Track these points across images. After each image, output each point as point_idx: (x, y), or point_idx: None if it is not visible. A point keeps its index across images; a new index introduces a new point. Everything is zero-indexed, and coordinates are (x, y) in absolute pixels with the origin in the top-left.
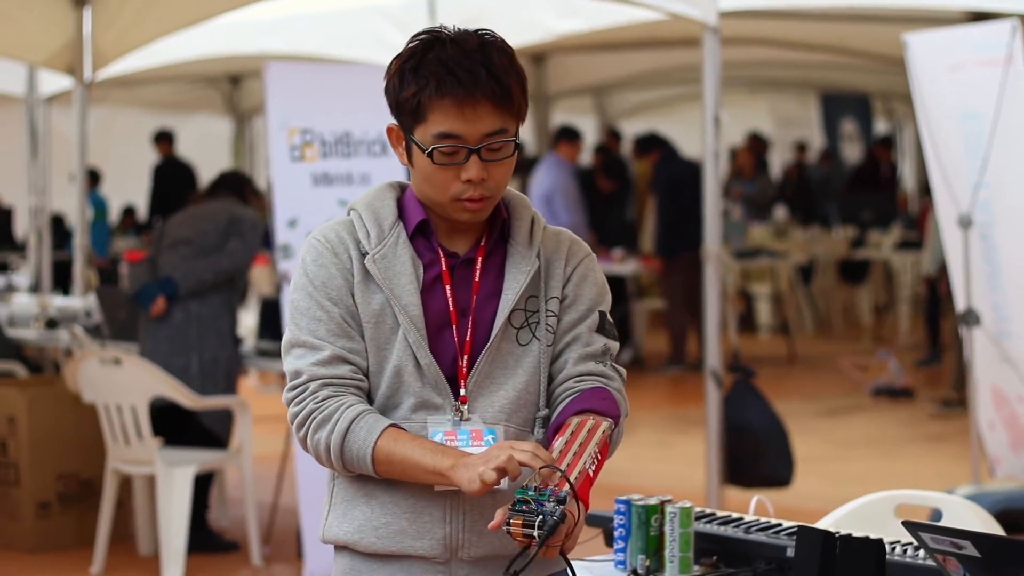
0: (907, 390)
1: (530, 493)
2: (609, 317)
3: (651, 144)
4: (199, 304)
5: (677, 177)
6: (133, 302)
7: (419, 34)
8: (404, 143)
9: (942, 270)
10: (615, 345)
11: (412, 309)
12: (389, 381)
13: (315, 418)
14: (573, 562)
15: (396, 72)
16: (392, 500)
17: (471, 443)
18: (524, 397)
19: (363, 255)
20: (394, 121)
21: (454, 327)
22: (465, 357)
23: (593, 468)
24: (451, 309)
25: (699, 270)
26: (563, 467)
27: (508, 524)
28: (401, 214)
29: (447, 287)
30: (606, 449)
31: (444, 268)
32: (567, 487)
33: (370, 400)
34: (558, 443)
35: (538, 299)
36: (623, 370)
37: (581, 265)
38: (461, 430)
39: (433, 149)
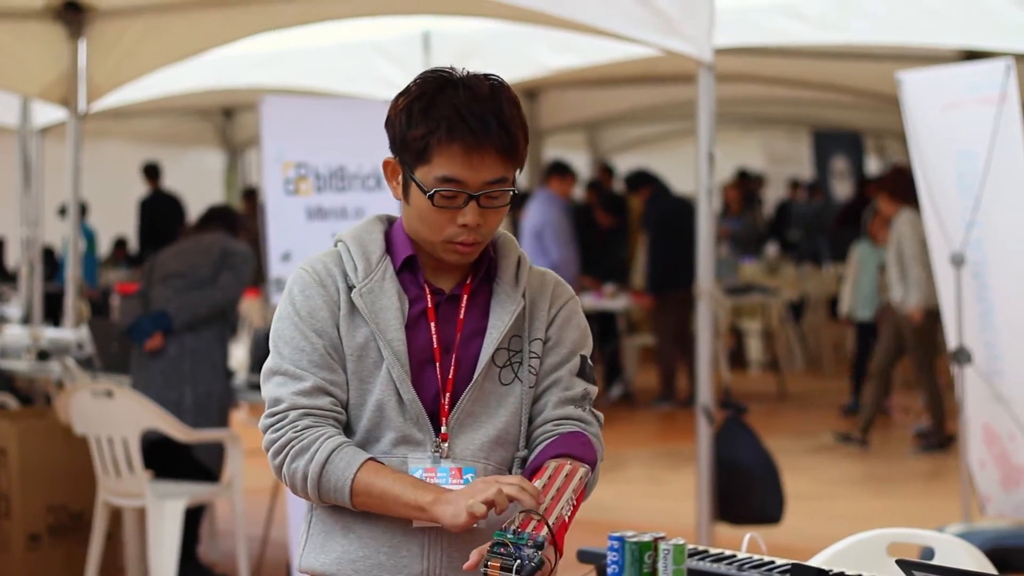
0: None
1: (508, 536)
2: (590, 361)
3: (641, 180)
4: (193, 338)
5: (668, 213)
6: (126, 337)
7: (428, 73)
8: (402, 179)
9: (883, 311)
10: (594, 389)
11: (397, 344)
12: (371, 415)
13: (293, 447)
14: None
15: (404, 109)
16: (370, 534)
17: (450, 481)
18: (504, 437)
19: (350, 288)
20: (391, 155)
21: (437, 364)
22: (448, 395)
23: (568, 514)
24: (435, 346)
25: (689, 307)
26: (542, 511)
27: (486, 566)
28: (389, 248)
29: (432, 324)
30: (582, 496)
31: (430, 305)
32: (545, 531)
33: (350, 433)
34: (536, 485)
35: (522, 339)
36: (601, 415)
37: (565, 308)
38: (441, 467)
39: (435, 192)
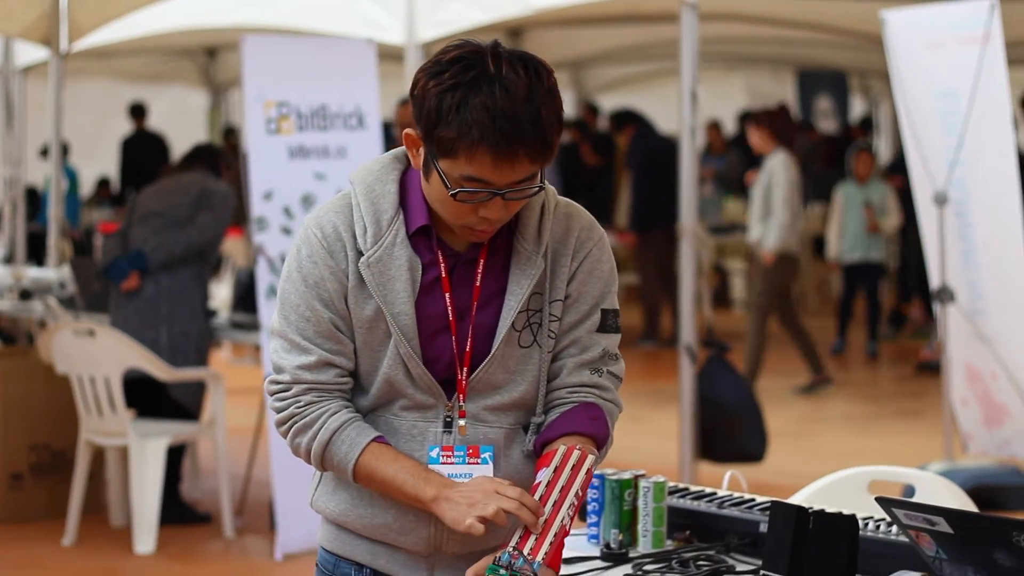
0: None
1: (502, 572)
2: (614, 308)
3: (626, 119)
4: (169, 277)
5: (652, 152)
6: (103, 276)
7: (463, 53)
8: (423, 157)
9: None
10: (615, 339)
11: (404, 319)
12: (381, 383)
13: (296, 423)
14: None
15: (435, 98)
16: (380, 493)
17: (467, 460)
18: (521, 403)
19: (359, 253)
20: (414, 129)
21: (453, 337)
22: (465, 369)
23: (571, 517)
24: (450, 318)
25: (673, 246)
26: (541, 523)
27: None
28: (403, 199)
29: (447, 294)
30: (588, 483)
31: (443, 274)
32: (539, 559)
33: (362, 396)
34: (543, 476)
35: (542, 297)
36: (621, 367)
37: (588, 258)
38: (458, 446)
39: (459, 191)
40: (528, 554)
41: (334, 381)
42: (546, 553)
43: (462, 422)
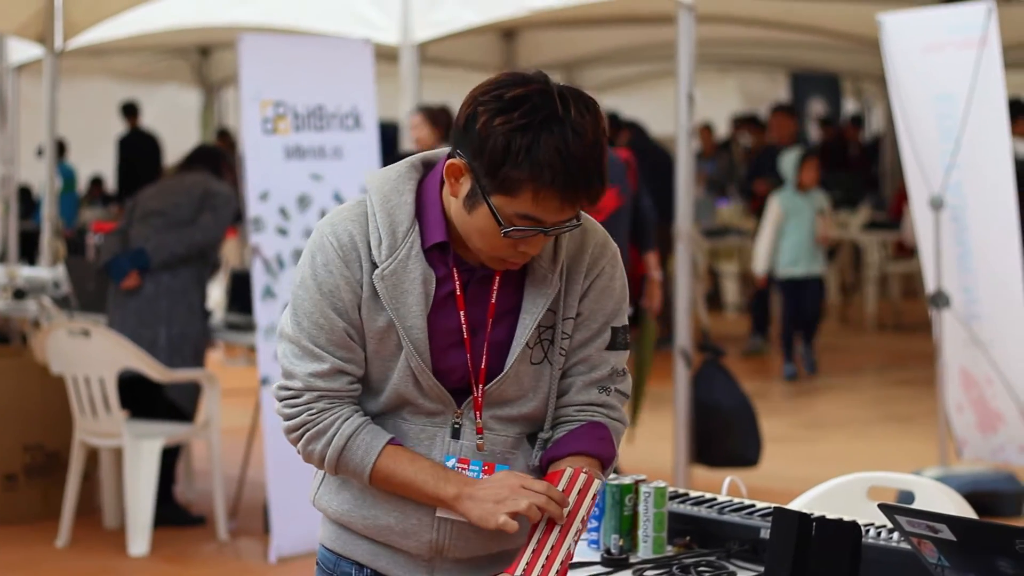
0: None
1: None
2: (624, 325)
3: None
4: (170, 277)
5: (645, 155)
6: (103, 273)
7: (527, 92)
8: (470, 190)
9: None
10: (624, 356)
11: (416, 332)
12: (390, 393)
13: (309, 430)
14: None
15: (502, 135)
16: (383, 495)
17: (482, 477)
18: (531, 418)
19: (373, 264)
20: (460, 158)
21: (468, 355)
22: (480, 386)
23: (575, 541)
24: (465, 336)
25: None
26: (548, 548)
27: None
28: (419, 211)
29: (461, 312)
30: (592, 508)
31: (458, 291)
32: None
33: (373, 402)
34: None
35: (556, 314)
36: (628, 383)
37: (601, 276)
38: (474, 460)
39: (512, 229)
40: (540, 573)
41: (346, 388)
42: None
43: (480, 439)
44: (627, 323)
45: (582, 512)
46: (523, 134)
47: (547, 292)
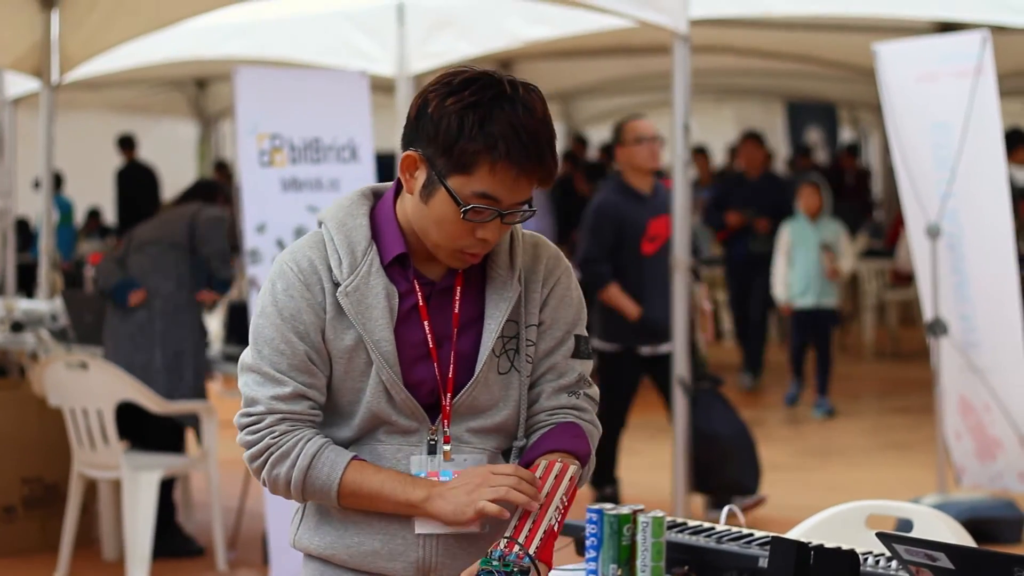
0: None
1: (494, 563)
2: (585, 335)
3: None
4: (162, 301)
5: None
6: (106, 298)
7: (474, 75)
8: (426, 179)
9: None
10: (589, 366)
11: (384, 345)
12: (364, 412)
13: (272, 453)
14: None
15: (455, 115)
16: (366, 520)
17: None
18: (503, 427)
19: (336, 285)
20: (414, 149)
21: (435, 364)
22: (448, 395)
23: (558, 521)
24: (430, 345)
25: None
26: (530, 523)
27: None
28: (375, 233)
29: (425, 322)
30: (573, 495)
31: (420, 302)
32: (530, 555)
33: (344, 429)
34: (531, 473)
35: (517, 324)
36: (596, 391)
37: (558, 286)
38: (444, 471)
39: (471, 207)
40: (523, 542)
41: (307, 412)
42: (537, 548)
43: (447, 447)
44: (587, 335)
45: (560, 492)
46: (475, 110)
47: (508, 296)
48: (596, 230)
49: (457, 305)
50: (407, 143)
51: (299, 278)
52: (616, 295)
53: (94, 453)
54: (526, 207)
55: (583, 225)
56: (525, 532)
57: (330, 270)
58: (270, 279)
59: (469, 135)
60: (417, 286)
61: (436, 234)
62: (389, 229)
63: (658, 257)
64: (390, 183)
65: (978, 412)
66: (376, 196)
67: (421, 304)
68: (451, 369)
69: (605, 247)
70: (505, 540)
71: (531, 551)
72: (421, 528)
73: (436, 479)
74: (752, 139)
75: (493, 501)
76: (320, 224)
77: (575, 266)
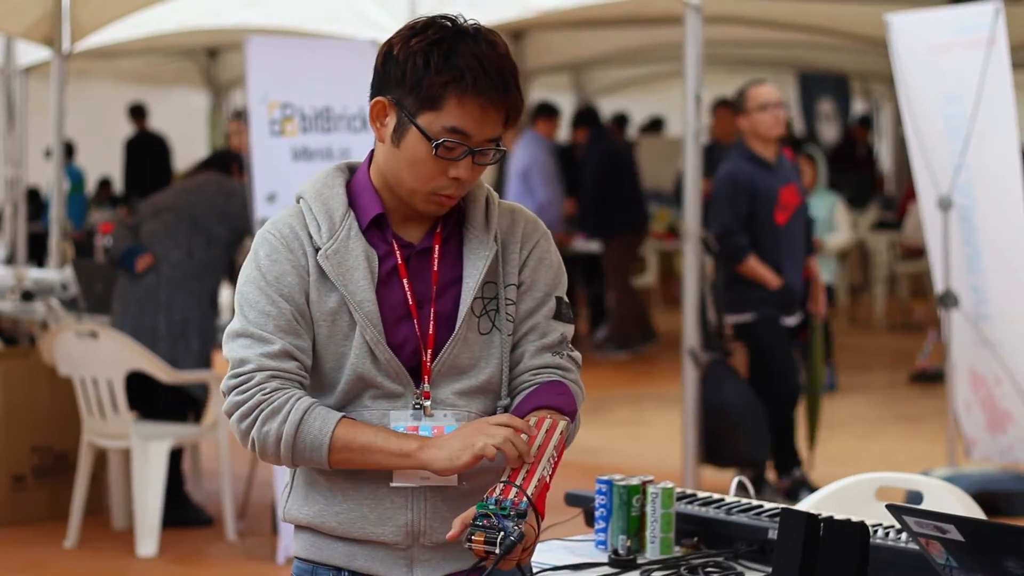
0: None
1: (491, 507)
2: (566, 299)
3: (582, 120)
4: (170, 267)
5: (606, 156)
6: (116, 266)
7: (433, 19)
8: (396, 122)
9: None
10: (571, 329)
11: (367, 305)
12: (349, 376)
13: (263, 409)
14: (553, 542)
15: (419, 52)
16: (353, 486)
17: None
18: (487, 387)
19: (316, 250)
20: (383, 95)
21: (415, 321)
22: (429, 351)
23: (550, 473)
24: (410, 303)
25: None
26: (523, 472)
27: (469, 539)
28: (352, 202)
29: (404, 280)
30: (563, 449)
31: (400, 261)
32: (526, 500)
33: (328, 395)
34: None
35: (496, 285)
36: (578, 355)
37: (537, 248)
38: (423, 425)
39: (441, 142)
40: (520, 484)
41: (295, 372)
42: (532, 495)
43: (427, 403)
44: (567, 298)
45: (551, 446)
46: (439, 46)
47: (484, 254)
48: (731, 200)
49: (436, 264)
50: (376, 92)
51: (281, 243)
52: (755, 266)
53: (104, 422)
54: (496, 145)
55: (715, 196)
56: (520, 478)
57: (310, 236)
58: (253, 249)
59: (436, 70)
60: (396, 247)
61: (410, 177)
62: (365, 194)
63: (790, 227)
64: (362, 160)
65: (988, 384)
66: (351, 170)
67: (400, 263)
68: (431, 326)
69: (740, 217)
70: (502, 485)
71: (530, 489)
72: (398, 481)
73: (415, 433)
74: (725, 106)
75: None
76: (298, 200)
77: (716, 239)
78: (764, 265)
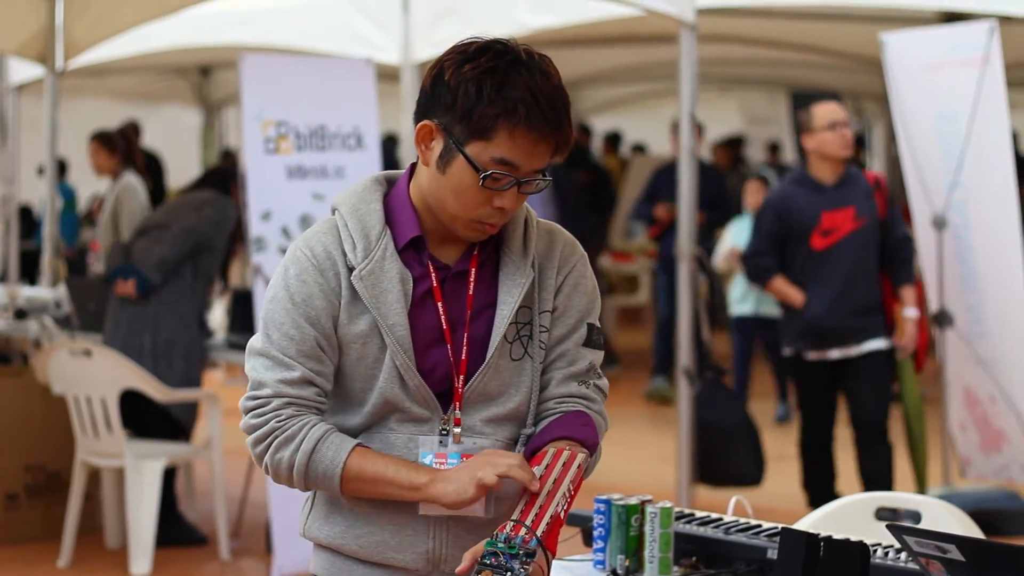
0: None
1: (499, 545)
2: (597, 324)
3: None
4: (160, 287)
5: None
6: (107, 282)
7: (487, 43)
8: (443, 148)
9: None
10: (600, 356)
11: (399, 330)
12: (376, 399)
13: (277, 437)
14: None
15: (472, 81)
16: (375, 511)
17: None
18: (515, 415)
19: (350, 269)
20: (431, 120)
21: (448, 346)
22: (460, 377)
23: (564, 508)
24: (444, 327)
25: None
26: (536, 509)
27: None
28: (389, 218)
29: (439, 304)
30: (580, 483)
31: (435, 284)
32: (537, 537)
33: (355, 416)
34: (535, 471)
35: (531, 310)
36: (606, 383)
37: (573, 273)
38: (452, 453)
39: (490, 173)
40: (530, 524)
41: (313, 399)
42: (542, 533)
43: (457, 430)
44: (599, 325)
45: (568, 480)
46: (492, 75)
47: (521, 282)
48: (760, 221)
49: (471, 287)
50: (422, 114)
51: (312, 263)
52: (781, 286)
53: (97, 441)
54: (543, 175)
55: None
56: (531, 517)
57: (344, 255)
58: (283, 265)
59: (488, 100)
60: (432, 270)
61: (454, 204)
62: (404, 213)
63: (830, 253)
64: (402, 170)
65: (983, 404)
66: (389, 183)
67: (435, 287)
68: (464, 351)
69: (769, 239)
70: (512, 523)
71: (540, 530)
72: (426, 510)
73: (444, 461)
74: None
75: (502, 476)
76: (333, 211)
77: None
78: (790, 284)
